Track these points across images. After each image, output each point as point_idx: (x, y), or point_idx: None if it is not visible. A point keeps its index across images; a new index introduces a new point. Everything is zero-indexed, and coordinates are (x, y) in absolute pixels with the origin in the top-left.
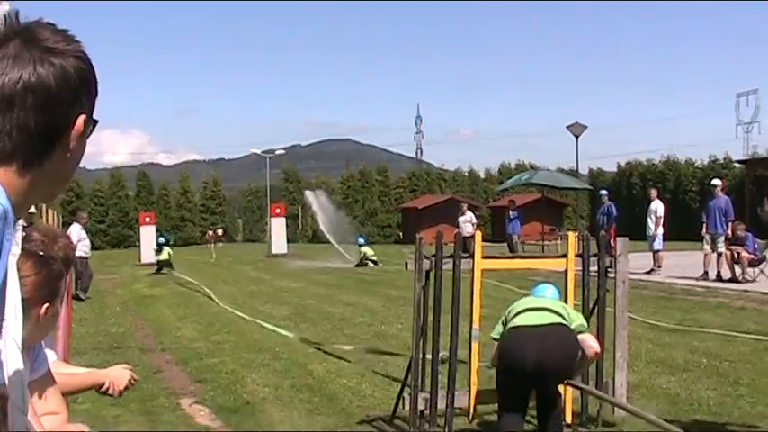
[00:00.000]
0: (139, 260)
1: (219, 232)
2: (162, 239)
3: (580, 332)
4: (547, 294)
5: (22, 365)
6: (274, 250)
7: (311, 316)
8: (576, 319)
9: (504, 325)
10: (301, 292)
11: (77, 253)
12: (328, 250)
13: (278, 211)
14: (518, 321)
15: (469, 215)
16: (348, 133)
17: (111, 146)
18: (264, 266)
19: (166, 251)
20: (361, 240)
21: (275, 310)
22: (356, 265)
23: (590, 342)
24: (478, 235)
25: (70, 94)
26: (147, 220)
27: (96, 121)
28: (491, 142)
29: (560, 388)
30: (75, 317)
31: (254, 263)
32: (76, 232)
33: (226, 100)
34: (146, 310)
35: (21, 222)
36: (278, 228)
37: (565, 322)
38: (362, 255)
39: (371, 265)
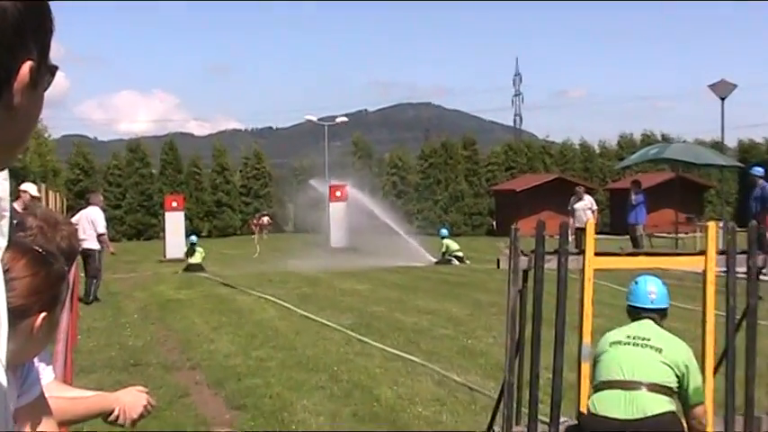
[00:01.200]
0: (164, 255)
1: (265, 220)
2: (194, 238)
3: (693, 405)
4: (651, 300)
5: (4, 387)
6: (334, 243)
7: (379, 326)
8: (693, 381)
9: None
10: (367, 296)
11: (90, 245)
12: (400, 243)
13: (338, 194)
14: (603, 404)
15: (588, 200)
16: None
17: (128, 111)
18: (321, 263)
19: (199, 253)
20: (444, 231)
21: (334, 317)
22: (437, 263)
23: (701, 421)
24: (590, 225)
25: (7, 36)
26: (175, 204)
27: (55, 68)
28: (609, 107)
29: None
30: (82, 326)
31: (309, 259)
32: (101, 219)
33: (271, 54)
34: (171, 318)
35: (3, 204)
36: (338, 215)
37: (670, 406)
38: (445, 249)
39: (456, 262)
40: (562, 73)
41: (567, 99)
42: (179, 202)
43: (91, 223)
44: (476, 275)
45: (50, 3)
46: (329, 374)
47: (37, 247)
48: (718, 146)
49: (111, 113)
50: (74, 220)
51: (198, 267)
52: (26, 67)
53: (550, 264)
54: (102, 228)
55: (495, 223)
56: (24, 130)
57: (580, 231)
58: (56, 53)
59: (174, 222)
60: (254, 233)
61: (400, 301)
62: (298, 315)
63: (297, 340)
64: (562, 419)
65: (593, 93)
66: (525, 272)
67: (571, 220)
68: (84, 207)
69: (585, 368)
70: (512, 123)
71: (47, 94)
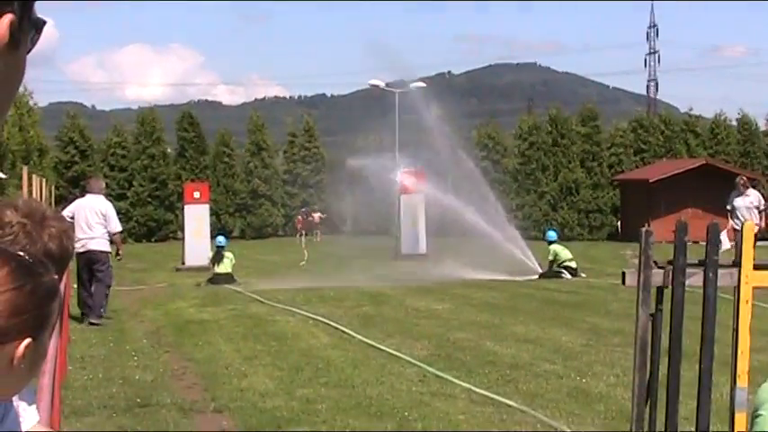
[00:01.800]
0: (182, 261)
1: (316, 217)
2: (221, 240)
3: None
4: None
5: None
6: (406, 248)
7: (463, 358)
8: None
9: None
10: (449, 319)
11: (100, 246)
12: (493, 249)
13: (412, 183)
14: None
15: (754, 196)
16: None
17: (137, 72)
18: (389, 274)
19: (228, 260)
20: (552, 234)
21: (405, 347)
22: (542, 275)
23: None
24: (749, 227)
25: None
26: (197, 195)
27: (42, 23)
28: None
29: None
30: (74, 354)
31: (373, 269)
32: (113, 213)
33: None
34: (191, 345)
35: None
36: (412, 211)
37: None
38: (553, 258)
39: (567, 275)
40: (714, 23)
41: (721, 59)
42: (203, 193)
43: (100, 217)
44: (593, 293)
45: None
46: (398, 421)
47: (20, 252)
48: None
49: (115, 75)
50: (66, 213)
51: (227, 278)
52: (4, 22)
53: (694, 279)
54: (116, 224)
55: (620, 224)
56: (2, 99)
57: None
58: None
59: (196, 219)
60: (300, 234)
61: (492, 327)
62: (357, 342)
63: (356, 375)
64: None
65: (756, 50)
66: (660, 290)
67: (730, 223)
68: (80, 196)
69: (740, 420)
70: (643, 91)
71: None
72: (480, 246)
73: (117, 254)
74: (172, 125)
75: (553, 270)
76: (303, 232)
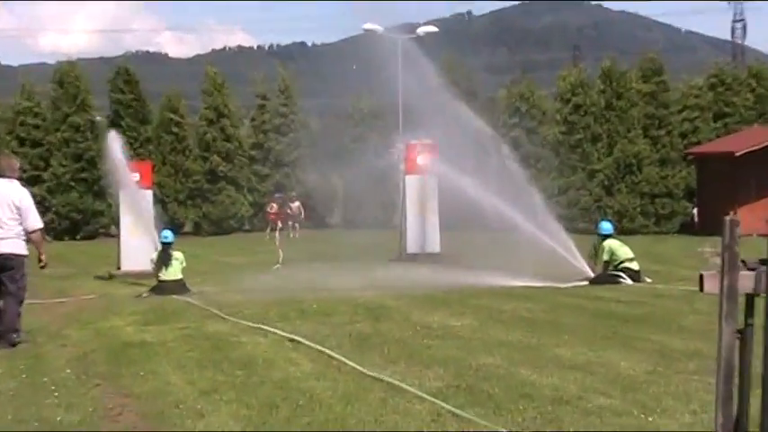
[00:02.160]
0: (118, 265)
1: (294, 206)
2: (169, 235)
3: None
4: None
5: None
6: (412, 247)
7: (491, 392)
8: None
9: None
10: (470, 339)
11: (13, 249)
12: (527, 246)
13: (420, 160)
14: None
15: None
16: None
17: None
18: (391, 280)
19: (178, 262)
20: (606, 226)
21: (413, 376)
22: (592, 281)
23: None
24: None
25: None
26: (136, 177)
27: None
28: None
29: None
30: None
31: (370, 273)
32: (30, 202)
33: None
34: (130, 375)
35: None
36: (419, 197)
37: None
38: (608, 257)
39: (627, 280)
40: None
41: None
42: (143, 174)
43: (13, 210)
44: (662, 304)
45: None
46: None
47: None
48: None
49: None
50: None
51: (177, 287)
52: None
53: None
54: (35, 219)
55: (696, 212)
56: None
57: None
58: None
59: (136, 209)
60: (274, 228)
61: (528, 348)
62: (349, 370)
63: (348, 415)
64: None
65: None
66: (751, 298)
67: None
68: None
69: None
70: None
71: None
72: (511, 242)
73: (39, 260)
74: (102, 85)
75: (608, 273)
76: (277, 226)
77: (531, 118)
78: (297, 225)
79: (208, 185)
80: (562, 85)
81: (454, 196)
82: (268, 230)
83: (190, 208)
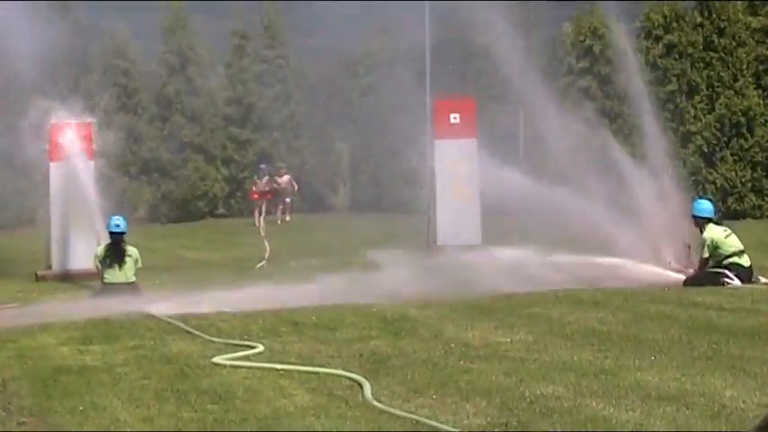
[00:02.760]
0: (48, 264)
1: (284, 181)
2: (119, 223)
3: None
4: None
5: None
6: (444, 237)
7: (550, 429)
8: None
9: None
10: (523, 360)
11: None
12: (595, 235)
13: (455, 118)
14: None
15: None
16: None
17: None
18: (417, 281)
19: (131, 258)
20: (705, 207)
21: (446, 409)
22: (687, 281)
23: None
24: None
25: None
26: (74, 144)
27: None
28: None
29: None
30: None
31: (388, 272)
32: None
33: None
34: (64, 410)
35: None
36: (455, 170)
37: None
38: (710, 249)
39: (734, 281)
40: None
41: None
42: (84, 140)
43: None
44: None
45: None
46: None
47: None
48: None
49: None
50: None
51: (129, 291)
52: None
53: None
54: None
55: None
56: None
57: None
58: None
59: (71, 186)
60: (260, 212)
61: (602, 373)
62: (361, 404)
63: None
64: None
65: None
66: None
67: None
68: None
69: None
70: None
71: None
72: (575, 230)
73: None
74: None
75: (709, 271)
76: (262, 209)
77: (602, 61)
78: (288, 204)
79: (168, 156)
80: (645, 19)
81: (496, 172)
82: (257, 217)
83: (144, 186)
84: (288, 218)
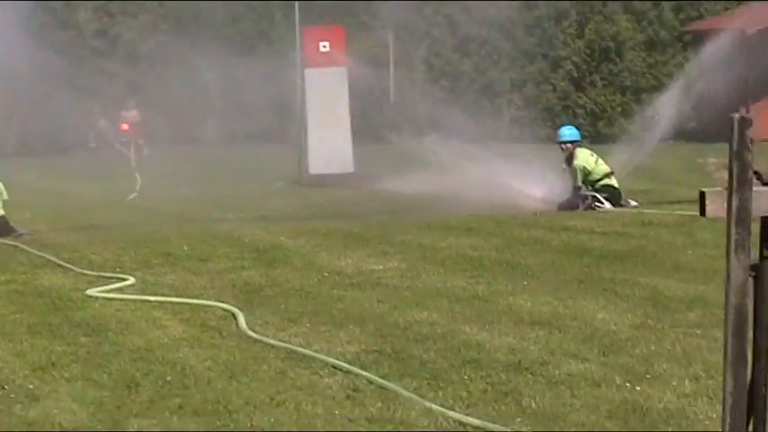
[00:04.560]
0: None
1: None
2: None
3: None
4: None
5: None
6: (316, 166)
7: (424, 357)
8: None
9: None
10: (396, 288)
11: None
12: (470, 164)
13: (324, 46)
14: None
15: None
16: None
17: None
18: (289, 211)
19: None
20: (570, 132)
21: (321, 339)
22: (560, 206)
23: None
24: None
25: None
26: None
27: None
28: None
29: None
30: None
31: (258, 203)
32: None
33: None
34: None
35: None
36: (327, 97)
37: None
38: (581, 175)
39: (605, 205)
40: None
41: None
42: None
43: None
44: (651, 234)
45: None
46: None
47: None
48: None
49: None
50: None
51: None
52: None
53: None
54: None
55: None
56: None
57: None
58: None
59: None
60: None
61: (474, 299)
62: (234, 334)
63: (233, 393)
64: None
65: None
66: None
67: None
68: None
69: None
70: None
71: None
72: (447, 158)
73: None
74: None
75: (580, 195)
76: (132, 142)
77: None
78: (139, 142)
79: (39, 89)
80: None
81: (373, 93)
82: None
83: (11, 119)
84: (146, 152)
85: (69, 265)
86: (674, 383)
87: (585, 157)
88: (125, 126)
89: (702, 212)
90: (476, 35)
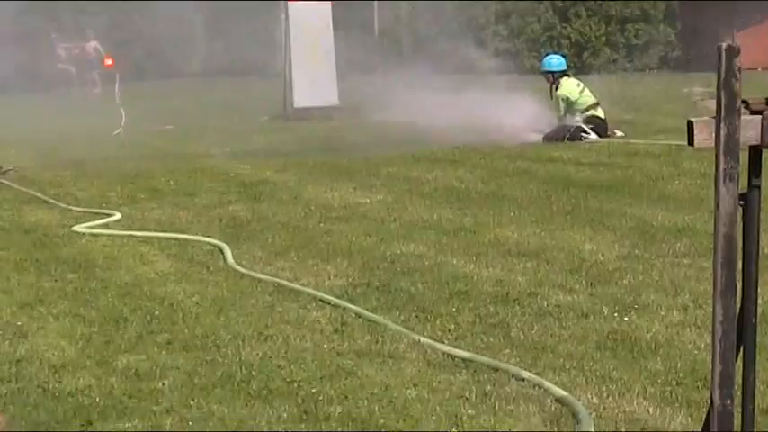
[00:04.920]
0: None
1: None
2: None
3: None
4: None
5: None
6: (301, 100)
7: (411, 289)
8: None
9: None
10: (382, 220)
11: None
12: (456, 96)
13: None
14: None
15: None
16: None
17: None
18: (274, 146)
19: None
20: (555, 61)
21: (307, 273)
22: (546, 138)
23: None
24: None
25: None
26: None
27: None
28: None
29: None
30: None
31: (243, 137)
32: None
33: None
34: None
35: None
36: (310, 31)
37: None
38: (565, 105)
39: (591, 135)
40: None
41: None
42: None
43: None
44: (638, 164)
45: None
46: (299, 404)
47: None
48: None
49: None
50: None
51: None
52: None
53: None
54: None
55: (678, 40)
56: None
57: None
58: None
59: None
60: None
61: (460, 231)
62: (222, 268)
63: (221, 327)
64: None
65: None
66: (756, 152)
67: None
68: None
69: None
70: None
71: None
72: (433, 90)
73: None
74: None
75: (566, 127)
76: (116, 77)
77: None
78: (94, 75)
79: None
80: None
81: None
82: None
83: None
84: (97, 91)
85: (55, 201)
86: (662, 313)
87: (570, 87)
88: (109, 61)
89: (690, 142)
90: None
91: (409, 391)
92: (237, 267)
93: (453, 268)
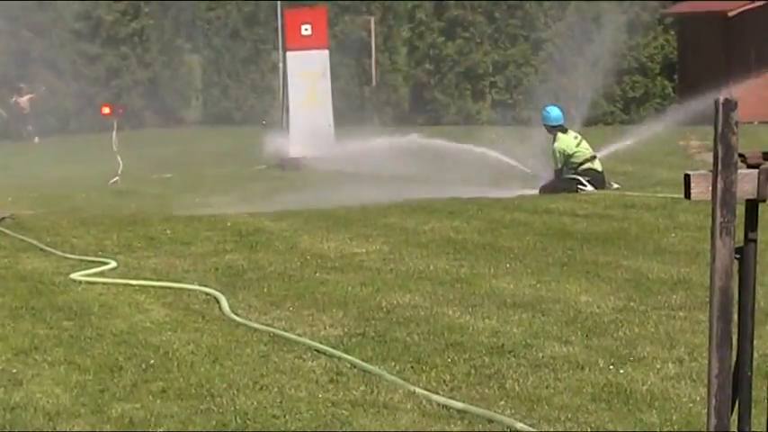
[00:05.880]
0: None
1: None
2: None
3: None
4: None
5: None
6: (297, 149)
7: (407, 340)
8: None
9: None
10: (379, 270)
11: None
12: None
13: (305, 29)
14: None
15: None
16: None
17: None
18: (270, 194)
19: None
20: (554, 114)
21: (303, 323)
22: (543, 189)
23: None
24: None
25: None
26: None
27: None
28: None
29: None
30: None
31: (239, 186)
32: None
33: None
34: None
35: None
36: (308, 78)
37: None
38: (561, 157)
39: (587, 187)
40: None
41: None
42: None
43: None
44: (635, 217)
45: None
46: None
47: None
48: None
49: None
50: None
51: None
52: None
53: None
54: None
55: (675, 91)
56: None
57: None
58: None
59: None
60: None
61: (456, 282)
62: (217, 318)
63: (216, 376)
64: None
65: None
66: (753, 206)
67: None
68: None
69: None
70: None
71: None
72: (431, 140)
73: None
74: None
75: (563, 179)
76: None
77: None
78: (30, 128)
79: (17, 68)
80: None
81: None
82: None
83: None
84: (37, 139)
85: (51, 249)
86: (658, 366)
87: (566, 141)
88: (106, 110)
89: (687, 195)
90: (460, 17)
91: None
92: (233, 316)
93: (449, 319)
